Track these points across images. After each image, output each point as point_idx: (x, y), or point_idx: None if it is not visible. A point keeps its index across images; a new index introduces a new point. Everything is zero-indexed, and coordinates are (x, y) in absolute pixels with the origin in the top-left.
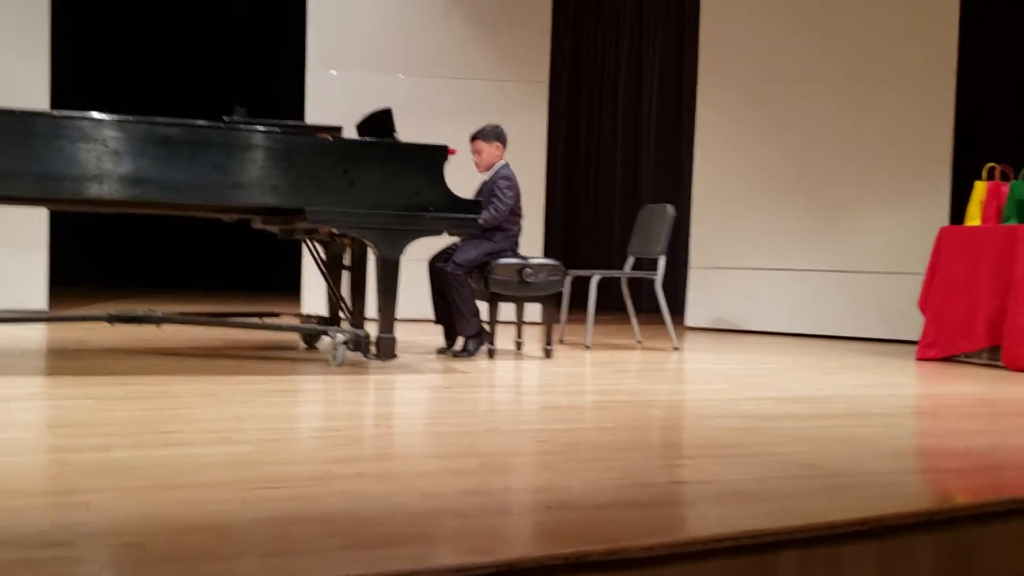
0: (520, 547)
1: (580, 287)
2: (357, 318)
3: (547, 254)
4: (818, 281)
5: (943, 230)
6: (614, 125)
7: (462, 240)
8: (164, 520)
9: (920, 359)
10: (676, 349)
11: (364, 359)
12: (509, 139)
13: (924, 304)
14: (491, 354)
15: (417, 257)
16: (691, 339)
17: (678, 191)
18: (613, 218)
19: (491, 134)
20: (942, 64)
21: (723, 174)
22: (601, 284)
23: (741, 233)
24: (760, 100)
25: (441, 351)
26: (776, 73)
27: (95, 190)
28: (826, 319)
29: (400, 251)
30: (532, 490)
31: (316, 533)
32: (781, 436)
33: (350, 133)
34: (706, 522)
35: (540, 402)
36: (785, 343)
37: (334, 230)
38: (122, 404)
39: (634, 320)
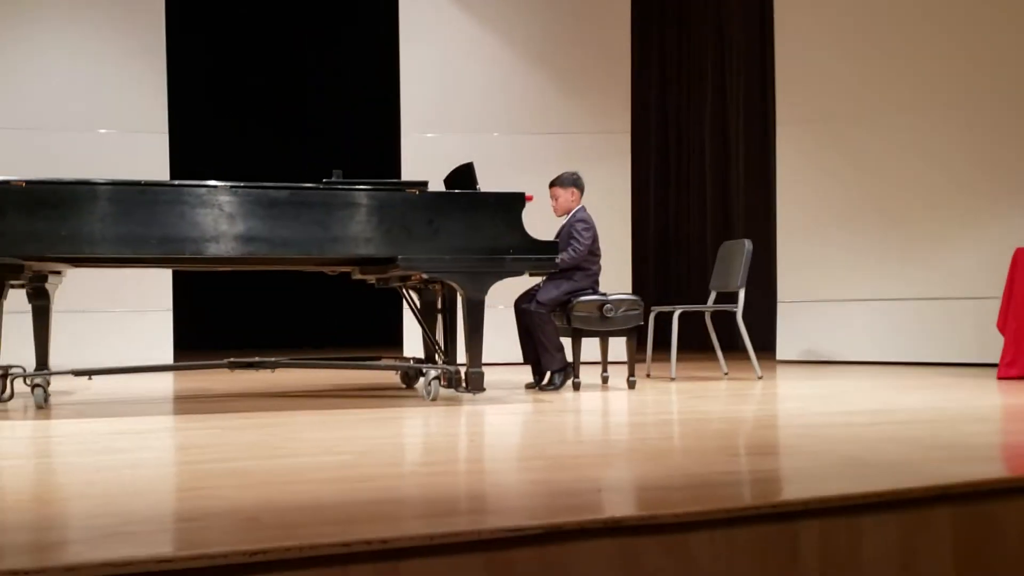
0: (567, 517)
1: (667, 324)
2: (450, 357)
3: (640, 293)
4: (905, 309)
5: (1018, 251)
6: (702, 165)
7: (544, 281)
8: (275, 503)
9: (1001, 378)
10: (759, 378)
11: (456, 393)
12: (596, 186)
13: (1003, 324)
14: (576, 387)
15: (505, 303)
16: (780, 371)
17: (769, 227)
18: (706, 257)
19: (567, 180)
20: (1017, 85)
21: (805, 208)
22: (689, 321)
23: (826, 265)
24: (836, 132)
25: (529, 386)
26: (851, 104)
27: (213, 249)
28: (916, 347)
29: (485, 292)
30: (587, 480)
31: (393, 509)
32: (834, 439)
33: (439, 188)
34: (736, 498)
35: (614, 421)
36: (873, 371)
37: (424, 275)
38: (240, 432)
39: (719, 352)
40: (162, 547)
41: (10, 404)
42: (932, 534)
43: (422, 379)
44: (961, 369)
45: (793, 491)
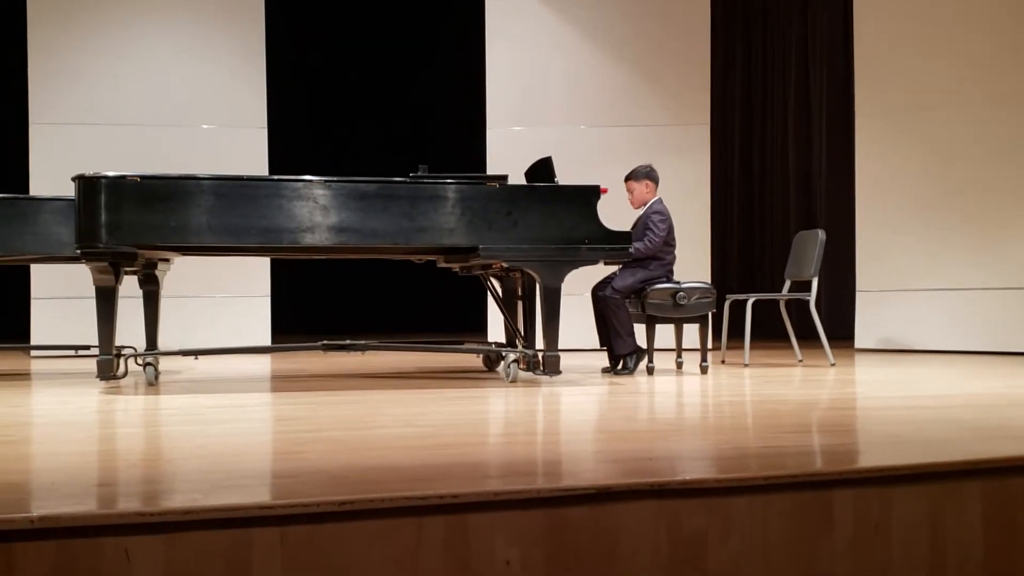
0: (617, 480)
1: (744, 312)
2: (529, 342)
3: (723, 283)
4: (986, 298)
5: None
6: (785, 156)
7: (620, 269)
8: (361, 465)
9: None
10: (832, 365)
11: (535, 376)
12: (676, 177)
13: None
14: (651, 371)
15: (588, 291)
16: (858, 359)
17: (850, 217)
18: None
19: (641, 174)
20: None
21: (885, 198)
22: (767, 310)
23: (905, 255)
24: (916, 123)
25: (605, 370)
26: (931, 95)
27: (308, 239)
28: (997, 336)
29: (561, 279)
30: (642, 451)
31: (464, 472)
32: (883, 420)
33: (522, 180)
34: (776, 467)
35: (679, 402)
36: (950, 359)
37: (503, 264)
38: (331, 407)
39: (794, 340)
40: (263, 497)
41: (123, 381)
42: (962, 506)
43: (503, 362)
44: None
45: (831, 463)
